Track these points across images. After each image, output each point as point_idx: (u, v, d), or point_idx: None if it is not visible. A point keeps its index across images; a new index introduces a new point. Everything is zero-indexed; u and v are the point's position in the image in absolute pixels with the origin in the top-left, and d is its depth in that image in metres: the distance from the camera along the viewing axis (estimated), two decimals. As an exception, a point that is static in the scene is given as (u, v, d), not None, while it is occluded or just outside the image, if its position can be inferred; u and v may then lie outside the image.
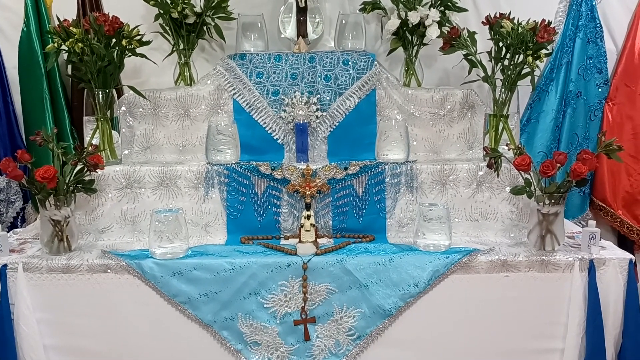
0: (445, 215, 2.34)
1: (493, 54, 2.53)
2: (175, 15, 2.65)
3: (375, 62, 2.65)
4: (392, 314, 2.26)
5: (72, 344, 2.28)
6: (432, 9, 2.66)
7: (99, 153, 2.36)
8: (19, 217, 3.06)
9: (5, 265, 2.24)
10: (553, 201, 2.27)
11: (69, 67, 2.85)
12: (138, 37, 2.53)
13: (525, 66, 2.46)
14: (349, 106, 2.60)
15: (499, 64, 2.52)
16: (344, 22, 2.76)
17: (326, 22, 2.83)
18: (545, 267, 2.28)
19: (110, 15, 2.47)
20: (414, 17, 2.64)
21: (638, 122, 3.03)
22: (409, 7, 2.67)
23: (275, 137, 2.61)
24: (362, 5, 2.79)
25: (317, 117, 2.58)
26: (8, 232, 2.67)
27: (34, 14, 2.87)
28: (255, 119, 2.61)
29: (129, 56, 2.54)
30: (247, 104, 2.62)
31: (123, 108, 2.66)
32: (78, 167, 2.32)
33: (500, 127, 2.54)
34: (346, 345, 2.29)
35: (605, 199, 3.08)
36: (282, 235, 2.53)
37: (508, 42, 2.45)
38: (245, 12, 2.76)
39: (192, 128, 2.67)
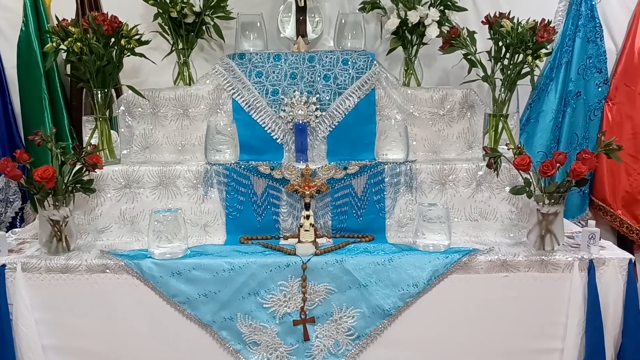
0: (444, 215, 2.34)
1: (493, 54, 2.53)
2: (174, 14, 2.64)
3: (375, 62, 2.65)
4: (392, 314, 2.26)
5: (71, 344, 2.28)
6: (431, 8, 2.66)
7: (97, 153, 2.36)
8: (18, 217, 3.05)
9: (3, 265, 2.23)
10: (553, 201, 2.27)
11: (68, 66, 2.85)
12: (137, 37, 2.52)
13: (525, 66, 2.46)
14: (349, 106, 2.60)
15: (499, 63, 2.52)
16: (343, 21, 2.75)
17: (325, 21, 2.83)
18: (545, 267, 2.27)
19: (109, 15, 2.46)
20: (413, 17, 2.64)
21: (638, 121, 3.03)
22: (408, 6, 2.66)
23: (274, 137, 2.60)
24: (362, 5, 2.78)
25: (316, 116, 2.58)
26: (7, 232, 2.68)
27: (32, 14, 2.86)
28: (255, 118, 2.60)
29: (128, 56, 2.54)
30: (246, 104, 2.61)
31: (122, 108, 2.65)
32: (77, 167, 2.31)
33: (500, 126, 2.54)
34: (345, 345, 2.29)
35: (604, 199, 3.08)
36: (281, 235, 2.53)
37: (508, 41, 2.45)
38: (245, 12, 2.76)
39: (191, 128, 2.66)
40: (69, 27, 2.42)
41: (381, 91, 2.65)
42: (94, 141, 2.51)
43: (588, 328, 2.25)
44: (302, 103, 2.57)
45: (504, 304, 2.29)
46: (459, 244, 2.39)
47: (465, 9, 2.78)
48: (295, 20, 2.74)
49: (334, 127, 2.60)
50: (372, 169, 2.51)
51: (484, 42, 2.58)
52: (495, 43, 2.52)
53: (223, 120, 2.57)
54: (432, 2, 2.70)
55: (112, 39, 2.46)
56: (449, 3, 2.71)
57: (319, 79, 2.60)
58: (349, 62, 2.62)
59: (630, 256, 2.31)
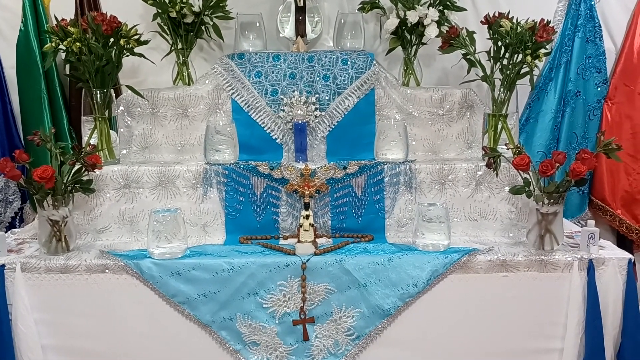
0: (444, 214, 2.34)
1: (492, 54, 2.53)
2: (173, 14, 2.64)
3: (374, 62, 2.65)
4: (391, 313, 2.26)
5: (70, 344, 2.28)
6: (430, 8, 2.66)
7: (97, 153, 2.36)
8: (17, 217, 3.05)
9: (3, 266, 2.23)
10: (552, 201, 2.27)
11: (67, 66, 2.85)
12: (136, 37, 2.52)
13: (524, 65, 2.46)
14: (348, 106, 2.59)
15: (498, 63, 2.52)
16: (342, 21, 2.75)
17: (325, 21, 2.83)
18: (544, 267, 2.27)
19: (108, 15, 2.46)
20: (412, 17, 2.64)
21: (637, 121, 3.03)
22: (407, 6, 2.66)
23: (274, 137, 2.60)
24: (361, 5, 2.78)
25: (315, 116, 2.58)
26: (6, 232, 2.68)
27: (31, 14, 2.86)
28: (254, 118, 2.60)
29: (127, 56, 2.54)
30: (245, 104, 2.61)
31: (121, 108, 2.65)
32: (76, 167, 2.31)
33: (499, 126, 2.54)
34: (345, 345, 2.29)
35: (604, 199, 3.08)
36: (280, 235, 2.52)
37: (507, 41, 2.45)
38: (244, 12, 2.76)
39: (191, 128, 2.66)
40: (68, 27, 2.42)
41: (380, 91, 2.65)
42: (93, 141, 2.51)
43: (587, 328, 2.25)
44: (302, 103, 2.56)
45: (503, 303, 2.29)
46: (459, 244, 2.39)
47: (464, 9, 2.78)
48: (295, 20, 2.74)
49: (333, 127, 2.60)
50: (372, 169, 2.51)
51: (483, 42, 2.58)
52: (494, 43, 2.52)
53: (222, 120, 2.57)
54: (432, 2, 2.70)
55: (111, 39, 2.46)
56: (448, 3, 2.71)
57: (318, 78, 2.60)
58: (348, 62, 2.62)
59: (630, 256, 2.31)
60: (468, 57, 2.54)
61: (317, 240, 2.38)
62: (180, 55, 2.75)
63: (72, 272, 2.24)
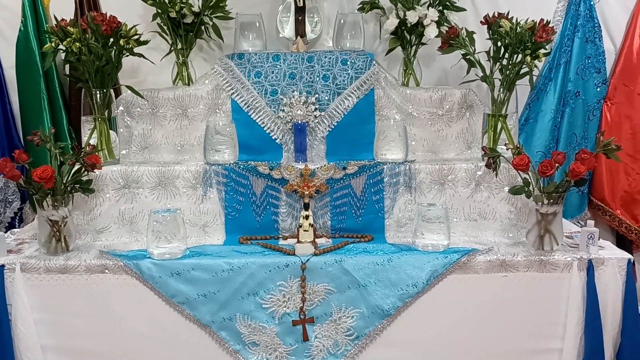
0: (443, 215, 2.34)
1: (491, 54, 2.53)
2: (173, 14, 2.64)
3: (374, 62, 2.65)
4: (391, 314, 2.26)
5: (70, 344, 2.28)
6: (430, 8, 2.66)
7: (96, 153, 2.35)
8: (17, 218, 3.05)
9: (2, 266, 2.23)
10: (551, 201, 2.27)
11: (67, 66, 2.84)
12: (136, 37, 2.52)
13: (524, 66, 2.46)
14: (348, 106, 2.59)
15: (498, 63, 2.52)
16: (342, 21, 2.75)
17: (324, 21, 2.83)
18: (544, 267, 2.27)
19: (108, 15, 2.46)
20: (412, 17, 2.64)
21: (636, 121, 3.04)
22: (407, 6, 2.66)
23: (273, 137, 2.60)
24: (361, 5, 2.78)
25: (315, 116, 2.58)
26: (6, 232, 2.67)
27: (31, 14, 2.86)
28: (254, 118, 2.60)
29: (127, 56, 2.54)
30: (245, 104, 2.61)
31: (121, 108, 2.65)
32: (76, 167, 2.31)
33: (499, 126, 2.54)
34: (345, 345, 2.29)
35: (603, 199, 3.08)
36: (280, 236, 2.53)
37: (506, 41, 2.45)
38: (244, 12, 2.75)
39: (190, 128, 2.66)
40: (68, 27, 2.41)
41: (380, 91, 2.65)
42: (92, 141, 2.51)
43: (587, 328, 2.25)
44: (301, 103, 2.56)
45: (503, 304, 2.29)
46: (458, 244, 2.39)
47: (464, 9, 2.78)
48: (294, 20, 2.74)
49: (333, 127, 2.60)
50: (371, 169, 2.51)
51: (482, 42, 2.58)
52: (494, 43, 2.52)
53: (222, 120, 2.57)
54: (431, 2, 2.70)
55: (111, 39, 2.46)
56: (447, 3, 2.71)
57: (318, 79, 2.60)
58: (348, 62, 2.62)
59: (629, 256, 2.31)
60: (468, 57, 2.54)
61: (316, 240, 2.38)
62: (180, 56, 2.75)
63: (71, 272, 2.24)
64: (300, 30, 2.73)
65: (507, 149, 2.44)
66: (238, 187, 2.50)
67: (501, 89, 2.52)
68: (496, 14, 2.53)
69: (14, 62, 2.91)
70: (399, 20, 2.68)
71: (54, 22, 2.47)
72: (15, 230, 2.74)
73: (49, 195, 2.24)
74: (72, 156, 2.29)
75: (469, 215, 2.52)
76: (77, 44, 2.39)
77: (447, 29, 2.61)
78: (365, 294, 2.26)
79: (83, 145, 2.44)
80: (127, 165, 2.51)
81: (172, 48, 2.75)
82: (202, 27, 2.76)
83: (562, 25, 2.99)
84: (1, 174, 2.22)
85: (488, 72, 2.53)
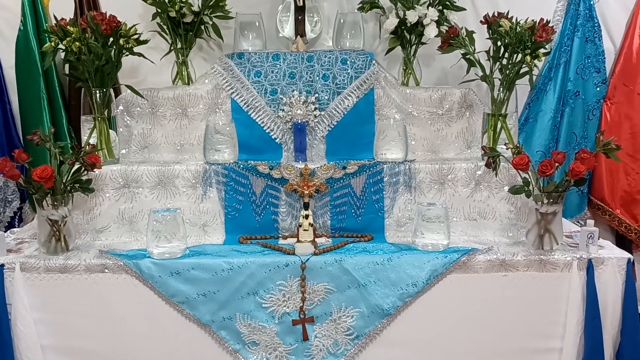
0: (443, 214, 2.34)
1: (491, 53, 2.53)
2: (173, 14, 2.64)
3: (374, 61, 2.65)
4: (391, 313, 2.26)
5: (70, 344, 2.27)
6: (430, 8, 2.66)
7: (96, 152, 2.35)
8: (17, 217, 3.05)
9: (2, 265, 2.23)
10: (551, 200, 2.27)
11: (67, 66, 2.84)
12: (136, 36, 2.52)
13: (524, 65, 2.46)
14: (347, 105, 2.59)
15: (497, 63, 2.52)
16: (342, 21, 2.75)
17: (324, 21, 2.83)
18: (544, 267, 2.28)
19: (108, 14, 2.46)
20: (412, 16, 2.64)
21: (636, 121, 3.04)
22: (407, 6, 2.66)
23: (273, 137, 2.60)
24: (361, 4, 2.78)
25: (315, 116, 2.57)
26: (5, 231, 2.67)
27: (31, 13, 2.86)
28: (254, 118, 2.60)
29: (127, 55, 2.54)
30: (245, 103, 2.61)
31: (120, 107, 2.65)
32: (75, 167, 2.31)
33: (499, 126, 2.54)
34: (344, 345, 2.29)
35: (603, 198, 3.08)
36: (280, 235, 2.53)
37: (506, 41, 2.45)
38: (243, 11, 2.76)
39: (190, 127, 2.66)
40: (68, 27, 2.41)
41: (380, 91, 2.65)
42: (92, 141, 2.51)
43: (587, 327, 2.25)
44: (301, 102, 2.56)
45: (502, 303, 2.29)
46: (458, 244, 2.39)
47: (463, 9, 2.78)
48: (294, 19, 2.74)
49: (332, 126, 2.60)
50: (371, 169, 2.51)
51: (482, 42, 2.58)
52: (493, 43, 2.52)
53: (222, 119, 2.57)
54: (431, 1, 2.70)
55: (111, 39, 2.46)
56: (447, 3, 2.71)
57: (317, 78, 2.60)
58: (348, 62, 2.62)
59: (629, 255, 2.31)
60: (467, 56, 2.54)
61: (316, 240, 2.38)
62: (180, 55, 2.75)
63: (71, 271, 2.24)
64: (300, 30, 2.73)
65: (507, 149, 2.44)
66: (238, 186, 2.50)
67: (501, 89, 2.52)
68: (496, 14, 2.53)
69: (13, 62, 2.91)
70: (398, 19, 2.68)
71: (54, 22, 2.47)
72: (15, 229, 2.74)
73: (49, 195, 2.24)
74: (71, 156, 2.29)
75: (469, 215, 2.52)
76: (77, 43, 2.39)
77: (446, 28, 2.61)
78: (365, 293, 2.26)
79: (83, 145, 2.44)
80: (127, 165, 2.50)
81: (172, 47, 2.75)
82: (202, 27, 2.76)
83: (561, 24, 2.99)
84: (1, 173, 2.22)
85: (488, 71, 2.53)
